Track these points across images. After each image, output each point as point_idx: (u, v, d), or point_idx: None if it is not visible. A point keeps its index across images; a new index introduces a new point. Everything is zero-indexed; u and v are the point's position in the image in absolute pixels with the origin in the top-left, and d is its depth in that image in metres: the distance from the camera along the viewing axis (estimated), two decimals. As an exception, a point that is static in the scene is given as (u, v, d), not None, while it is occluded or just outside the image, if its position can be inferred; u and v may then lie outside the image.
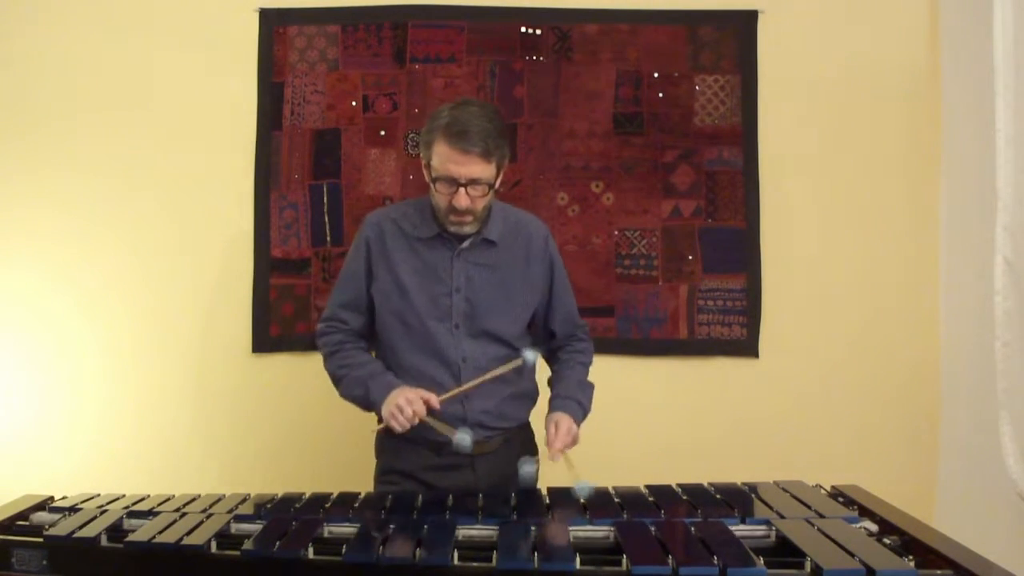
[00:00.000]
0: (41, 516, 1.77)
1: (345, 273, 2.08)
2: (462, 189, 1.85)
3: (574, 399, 2.00)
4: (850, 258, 2.85)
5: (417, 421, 1.85)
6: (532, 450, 2.10)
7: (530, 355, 1.96)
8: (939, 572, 1.39)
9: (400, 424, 1.85)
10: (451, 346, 1.97)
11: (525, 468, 1.84)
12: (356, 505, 1.80)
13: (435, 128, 1.86)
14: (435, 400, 1.87)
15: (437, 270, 1.99)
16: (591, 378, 2.11)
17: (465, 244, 1.98)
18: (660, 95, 2.85)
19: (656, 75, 2.86)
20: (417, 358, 1.98)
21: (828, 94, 2.85)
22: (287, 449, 2.85)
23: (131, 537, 1.60)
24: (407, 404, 1.84)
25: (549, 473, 1.96)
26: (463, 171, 1.84)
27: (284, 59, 2.86)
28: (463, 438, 1.87)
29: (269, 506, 1.81)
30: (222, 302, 2.86)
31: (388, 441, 2.08)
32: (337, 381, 2.02)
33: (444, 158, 1.85)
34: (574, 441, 1.94)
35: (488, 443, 2.01)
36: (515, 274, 2.02)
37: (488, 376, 1.93)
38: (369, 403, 1.94)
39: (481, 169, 1.85)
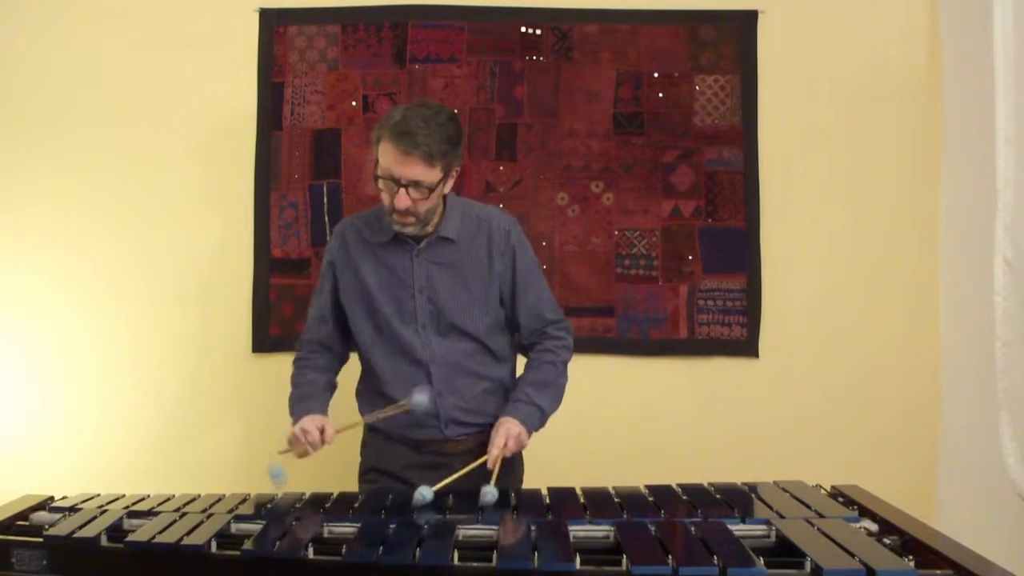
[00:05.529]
0: (41, 516, 1.77)
1: (317, 287, 2.14)
2: (403, 190, 1.84)
3: (525, 401, 1.98)
4: (850, 258, 2.84)
5: (316, 449, 1.90)
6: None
7: (418, 397, 1.91)
8: (939, 572, 1.39)
9: (298, 452, 1.92)
10: (419, 346, 1.99)
11: (486, 499, 1.74)
12: (356, 505, 1.81)
13: (384, 126, 1.86)
14: (331, 432, 1.91)
15: (398, 272, 2.00)
16: (575, 374, 2.08)
17: (422, 244, 1.98)
18: (660, 95, 2.85)
19: (656, 75, 2.85)
20: (389, 360, 2.01)
21: (828, 94, 2.84)
22: (287, 449, 2.85)
23: (131, 537, 1.60)
24: (302, 434, 1.90)
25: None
26: (405, 172, 1.84)
27: (284, 59, 2.86)
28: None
29: (269, 506, 1.81)
30: (222, 302, 2.85)
31: (370, 440, 2.11)
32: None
33: (388, 157, 1.85)
34: (518, 445, 1.94)
35: (465, 440, 2.01)
36: (477, 270, 2.01)
37: (380, 414, 1.96)
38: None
39: (423, 172, 1.84)
